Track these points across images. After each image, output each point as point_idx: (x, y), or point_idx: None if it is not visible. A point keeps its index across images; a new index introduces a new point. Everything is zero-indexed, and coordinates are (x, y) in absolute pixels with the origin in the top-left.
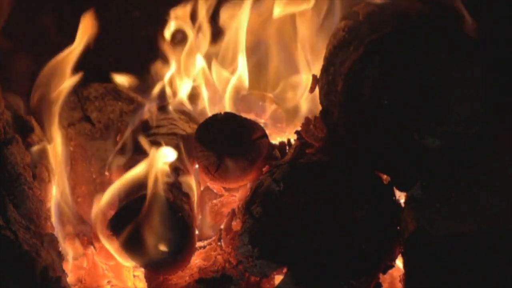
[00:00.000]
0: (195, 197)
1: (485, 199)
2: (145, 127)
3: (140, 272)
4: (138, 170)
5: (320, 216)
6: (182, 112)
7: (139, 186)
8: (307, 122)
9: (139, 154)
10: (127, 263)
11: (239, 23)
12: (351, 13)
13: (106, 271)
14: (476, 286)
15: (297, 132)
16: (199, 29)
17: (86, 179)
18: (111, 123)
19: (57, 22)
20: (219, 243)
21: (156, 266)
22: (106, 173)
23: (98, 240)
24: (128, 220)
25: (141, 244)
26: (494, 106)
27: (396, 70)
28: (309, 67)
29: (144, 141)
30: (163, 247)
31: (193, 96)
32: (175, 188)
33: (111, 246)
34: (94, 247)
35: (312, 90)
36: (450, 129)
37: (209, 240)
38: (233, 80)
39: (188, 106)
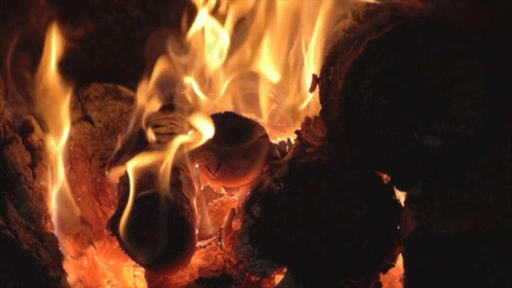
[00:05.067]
0: (195, 197)
1: (485, 199)
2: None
3: (141, 271)
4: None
5: (320, 216)
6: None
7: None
8: (307, 122)
9: (140, 153)
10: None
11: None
12: (351, 12)
13: (106, 270)
14: (476, 286)
15: (297, 132)
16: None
17: (86, 179)
18: (111, 123)
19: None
20: (219, 243)
21: (157, 266)
22: (106, 173)
23: (98, 239)
24: (128, 219)
25: (142, 243)
26: (494, 106)
27: (396, 70)
28: (309, 66)
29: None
30: (163, 247)
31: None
32: (176, 187)
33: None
34: (94, 247)
35: (312, 89)
36: (450, 128)
37: (209, 240)
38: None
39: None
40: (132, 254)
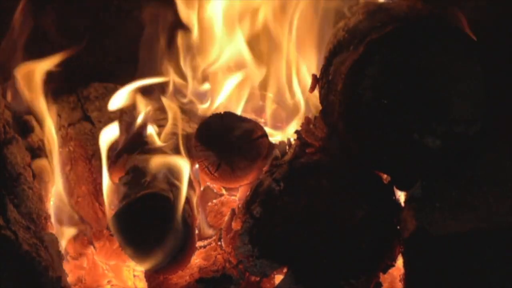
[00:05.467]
0: (195, 197)
1: (485, 199)
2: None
3: (140, 271)
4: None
5: (320, 216)
6: (183, 111)
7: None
8: (307, 122)
9: (139, 153)
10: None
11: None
12: (351, 12)
13: (106, 271)
14: (476, 286)
15: (297, 132)
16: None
17: (86, 179)
18: (111, 123)
19: (57, 22)
20: (219, 243)
21: (157, 266)
22: None
23: (98, 239)
24: (128, 220)
25: (142, 244)
26: (494, 106)
27: (396, 70)
28: (309, 66)
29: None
30: (163, 247)
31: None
32: (175, 188)
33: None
34: (94, 247)
35: (312, 90)
36: (450, 128)
37: (209, 240)
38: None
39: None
40: (132, 255)
